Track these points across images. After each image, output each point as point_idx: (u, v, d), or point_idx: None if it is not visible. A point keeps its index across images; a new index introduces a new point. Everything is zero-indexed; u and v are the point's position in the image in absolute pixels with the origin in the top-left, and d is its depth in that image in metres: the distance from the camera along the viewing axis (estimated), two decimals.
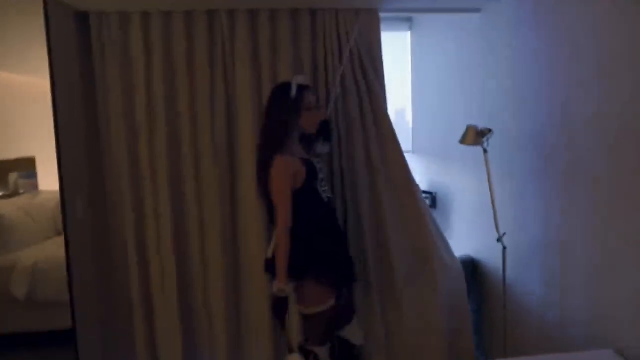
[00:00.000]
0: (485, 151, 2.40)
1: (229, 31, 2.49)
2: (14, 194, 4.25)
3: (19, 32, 3.49)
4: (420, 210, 2.54)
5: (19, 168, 4.42)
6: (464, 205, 3.10)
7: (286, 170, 2.04)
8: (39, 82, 3.86)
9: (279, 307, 2.06)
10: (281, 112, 2.11)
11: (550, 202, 2.19)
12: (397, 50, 4.13)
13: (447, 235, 3.35)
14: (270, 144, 2.10)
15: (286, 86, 2.13)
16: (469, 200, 3.02)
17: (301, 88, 2.13)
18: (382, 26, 3.71)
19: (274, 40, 2.52)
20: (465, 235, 3.10)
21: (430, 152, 3.68)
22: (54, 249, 3.38)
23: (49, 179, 4.42)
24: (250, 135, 2.49)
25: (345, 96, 2.53)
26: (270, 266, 2.17)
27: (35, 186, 4.58)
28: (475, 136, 2.42)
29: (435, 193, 3.55)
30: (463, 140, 2.45)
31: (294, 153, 2.13)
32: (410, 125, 4.05)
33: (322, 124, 2.29)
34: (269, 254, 2.19)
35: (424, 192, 3.59)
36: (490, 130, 2.39)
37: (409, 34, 4.03)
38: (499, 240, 2.36)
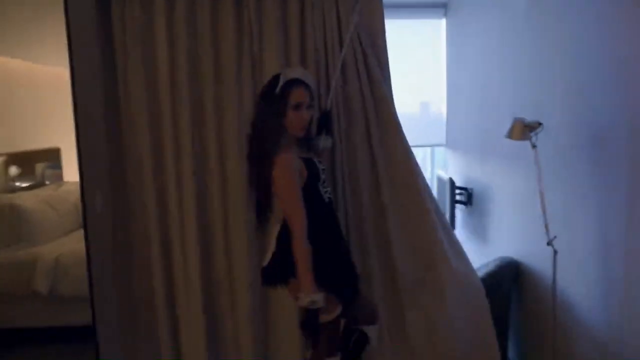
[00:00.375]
0: (533, 146, 2.18)
1: (256, 13, 2.32)
2: (40, 184, 4.20)
3: (39, 20, 3.40)
4: (424, 210, 2.34)
5: (45, 159, 4.36)
6: (505, 203, 2.87)
7: (292, 169, 1.86)
8: (61, 71, 3.77)
9: (312, 322, 1.83)
10: (266, 108, 1.92)
11: (611, 202, 1.97)
12: (429, 38, 3.90)
13: (483, 234, 3.15)
14: (264, 139, 1.91)
15: (275, 80, 1.93)
16: (511, 198, 2.79)
17: (291, 83, 1.90)
18: (414, 14, 3.50)
19: (303, 26, 2.35)
20: (506, 236, 2.88)
21: (466, 145, 3.46)
22: (77, 242, 3.29)
23: (73, 170, 4.39)
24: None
25: (347, 90, 2.35)
26: (269, 276, 2.01)
27: (60, 177, 4.53)
28: (523, 130, 2.21)
29: (471, 189, 3.33)
30: (510, 135, 2.23)
31: (293, 151, 1.94)
32: (444, 118, 3.84)
33: (322, 117, 2.09)
34: (265, 262, 2.02)
35: (459, 187, 3.37)
36: (540, 124, 2.17)
37: (443, 21, 3.81)
38: (549, 243, 2.14)
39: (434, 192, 3.67)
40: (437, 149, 4.36)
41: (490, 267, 2.59)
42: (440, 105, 3.96)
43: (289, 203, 1.87)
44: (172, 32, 2.33)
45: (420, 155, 10.42)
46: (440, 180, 3.51)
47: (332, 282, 1.91)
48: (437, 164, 11.15)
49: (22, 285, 3.14)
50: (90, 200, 2.25)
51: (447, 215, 3.27)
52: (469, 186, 3.37)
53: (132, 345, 2.55)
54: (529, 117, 2.23)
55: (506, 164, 2.80)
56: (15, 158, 3.95)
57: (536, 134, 2.17)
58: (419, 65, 3.90)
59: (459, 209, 3.42)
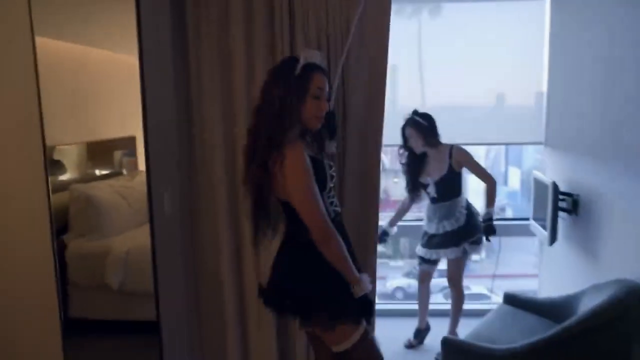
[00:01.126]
0: None
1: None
2: (118, 173, 4.13)
3: (117, 8, 3.27)
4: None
5: (122, 147, 4.29)
6: (630, 216, 2.36)
7: (305, 160, 1.56)
8: (135, 60, 3.63)
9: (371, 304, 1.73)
10: (281, 92, 1.61)
11: None
12: (513, 21, 3.38)
13: (594, 250, 2.67)
14: (275, 126, 1.59)
15: (292, 61, 1.65)
16: (637, 210, 2.28)
17: (311, 67, 1.63)
18: None
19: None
20: (628, 255, 2.37)
21: (576, 145, 2.95)
22: (147, 236, 3.12)
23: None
24: (358, 122, 2.13)
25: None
26: (270, 297, 1.74)
27: (135, 165, 4.46)
28: None
29: (578, 196, 2.83)
30: None
31: (302, 146, 1.63)
32: (528, 112, 3.34)
33: (326, 118, 1.79)
34: (265, 281, 1.76)
35: (562, 193, 2.88)
36: None
37: (547, 1, 3.28)
38: None
39: (530, 196, 3.21)
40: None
41: (612, 292, 2.12)
42: (520, 98, 3.48)
43: (303, 197, 1.57)
44: (249, 17, 2.08)
45: (493, 153, 9.64)
46: (539, 183, 3.03)
47: (346, 309, 1.67)
48: (510, 162, 10.19)
49: (93, 278, 3.03)
50: (157, 200, 2.06)
51: (548, 225, 2.80)
52: (574, 192, 2.87)
53: (202, 348, 2.43)
54: None
55: (634, 168, 2.29)
56: (94, 146, 3.88)
57: None
58: (497, 53, 3.40)
59: (561, 218, 2.92)
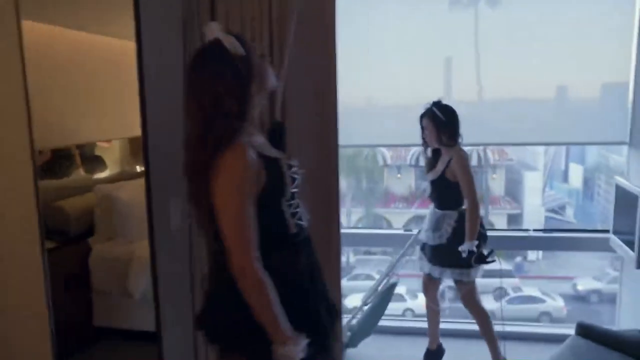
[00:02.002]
0: None
1: None
2: None
3: None
4: None
5: None
6: None
7: (245, 160, 1.22)
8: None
9: None
10: (225, 73, 1.26)
11: None
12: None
13: None
14: (220, 132, 1.23)
15: (217, 45, 1.27)
16: None
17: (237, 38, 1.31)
18: None
19: None
20: None
21: None
22: None
23: None
24: (305, 120, 1.97)
25: None
26: (204, 325, 1.41)
27: None
28: None
29: None
30: None
31: (253, 140, 1.30)
32: (629, 108, 2.75)
33: (272, 128, 1.58)
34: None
35: None
36: None
37: None
38: None
39: (610, 207, 2.63)
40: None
41: None
42: (584, 91, 3.00)
43: (227, 206, 1.21)
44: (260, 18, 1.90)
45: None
46: (623, 192, 2.46)
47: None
48: (571, 158, 9.31)
49: (117, 285, 2.76)
50: (158, 211, 1.73)
51: (637, 243, 2.23)
52: None
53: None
54: None
55: None
56: (133, 142, 3.64)
57: None
58: (560, 40, 2.88)
59: None
